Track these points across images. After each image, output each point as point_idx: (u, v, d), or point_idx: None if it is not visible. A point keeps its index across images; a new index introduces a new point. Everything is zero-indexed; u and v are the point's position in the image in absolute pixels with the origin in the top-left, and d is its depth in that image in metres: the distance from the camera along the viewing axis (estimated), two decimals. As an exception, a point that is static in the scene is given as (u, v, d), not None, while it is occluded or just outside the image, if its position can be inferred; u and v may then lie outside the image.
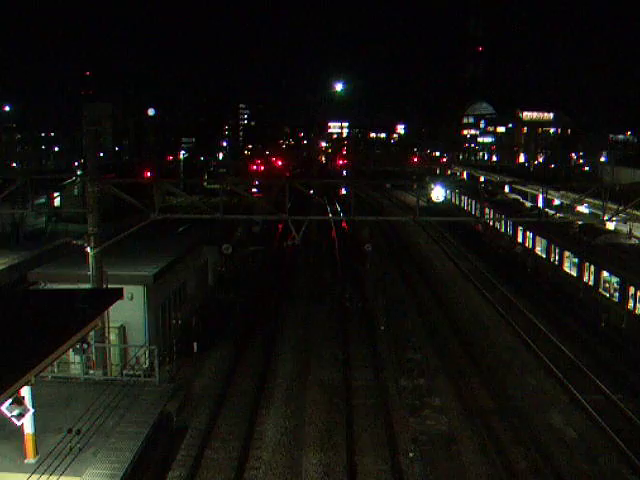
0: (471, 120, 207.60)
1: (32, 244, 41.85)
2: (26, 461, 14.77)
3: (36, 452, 14.84)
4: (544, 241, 39.91)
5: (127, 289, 19.69)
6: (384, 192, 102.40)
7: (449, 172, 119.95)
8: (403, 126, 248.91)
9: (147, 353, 22.35)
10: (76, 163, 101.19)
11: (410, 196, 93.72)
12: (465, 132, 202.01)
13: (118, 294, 17.70)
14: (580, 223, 36.72)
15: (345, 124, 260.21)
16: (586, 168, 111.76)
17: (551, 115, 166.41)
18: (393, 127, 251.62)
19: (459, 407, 22.51)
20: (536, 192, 53.44)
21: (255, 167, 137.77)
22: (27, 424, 14.52)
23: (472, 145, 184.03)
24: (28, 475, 13.47)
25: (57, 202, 53.60)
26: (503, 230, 50.01)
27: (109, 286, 20.99)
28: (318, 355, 27.60)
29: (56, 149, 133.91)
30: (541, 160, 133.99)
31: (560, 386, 24.07)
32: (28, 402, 14.02)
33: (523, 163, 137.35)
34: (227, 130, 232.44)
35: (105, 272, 21.21)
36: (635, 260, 28.92)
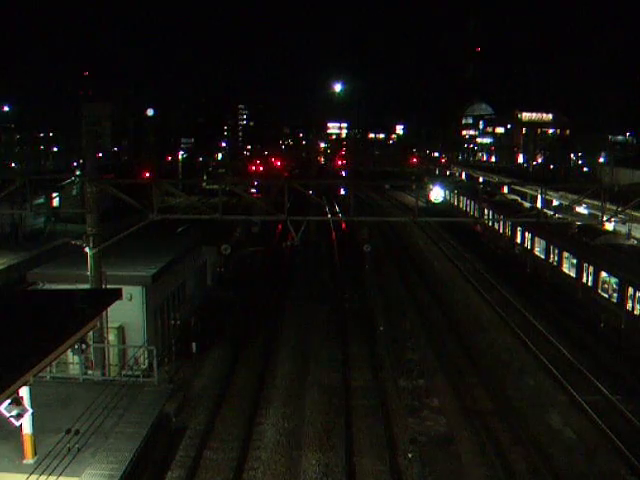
0: (470, 121, 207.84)
1: (31, 244, 41.91)
2: (25, 461, 14.76)
3: (35, 452, 14.83)
4: (543, 242, 39.93)
5: (126, 289, 19.68)
6: (383, 193, 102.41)
7: (448, 173, 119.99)
8: (402, 126, 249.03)
9: (146, 353, 22.35)
10: (75, 163, 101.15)
11: (409, 197, 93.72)
12: (464, 133, 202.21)
13: (117, 294, 17.70)
14: (579, 224, 36.74)
15: (344, 125, 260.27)
16: (585, 169, 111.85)
17: (550, 116, 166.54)
18: (392, 127, 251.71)
19: (458, 408, 22.51)
20: (535, 193, 53.49)
21: (254, 167, 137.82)
22: (26, 424, 14.51)
23: (471, 146, 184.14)
24: (27, 475, 13.45)
25: (56, 202, 53.58)
26: (502, 231, 50.02)
27: (108, 286, 20.98)
28: (317, 355, 27.59)
29: (55, 149, 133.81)
30: (540, 161, 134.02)
31: (559, 387, 24.07)
32: (27, 402, 14.02)
33: (522, 164, 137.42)
34: (226, 130, 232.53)
35: (104, 272, 21.20)
36: (634, 261, 28.93)
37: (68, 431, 14.45)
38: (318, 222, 56.62)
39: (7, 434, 14.99)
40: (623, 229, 36.89)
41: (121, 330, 23.18)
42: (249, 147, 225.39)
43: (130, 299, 22.29)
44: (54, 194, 53.34)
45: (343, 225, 63.51)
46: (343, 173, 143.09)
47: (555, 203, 49.54)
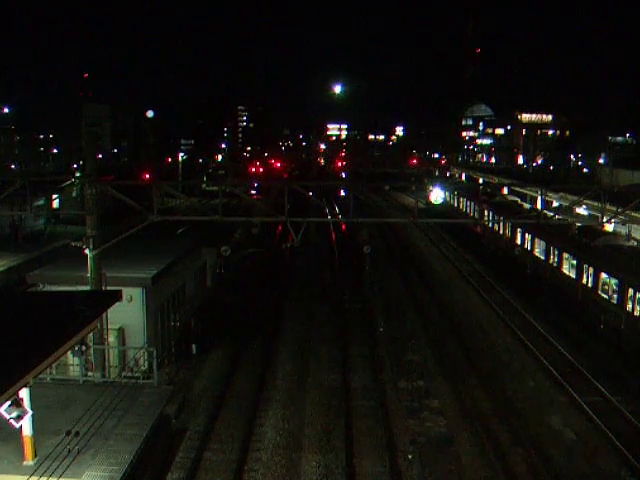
0: (470, 122, 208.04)
1: (31, 246, 41.87)
2: (25, 463, 14.75)
3: (35, 454, 14.82)
4: (543, 243, 39.93)
5: (126, 291, 19.66)
6: (383, 194, 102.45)
7: (448, 174, 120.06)
8: (402, 128, 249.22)
9: (146, 355, 22.34)
10: (75, 165, 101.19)
11: (409, 198, 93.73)
12: (464, 134, 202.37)
13: (117, 296, 17.68)
14: (579, 225, 36.74)
15: (344, 126, 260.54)
16: (585, 170, 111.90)
17: (550, 117, 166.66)
18: (392, 129, 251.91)
19: (458, 409, 22.51)
20: (535, 194, 53.51)
21: (254, 169, 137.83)
22: (26, 426, 14.51)
23: (471, 147, 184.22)
24: (27, 477, 13.45)
25: (56, 204, 53.57)
26: (502, 232, 50.02)
27: (108, 288, 20.98)
28: (317, 356, 27.59)
29: (55, 151, 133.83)
30: (540, 162, 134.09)
31: (559, 388, 24.08)
32: (27, 404, 14.02)
33: (522, 165, 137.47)
34: (226, 132, 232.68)
35: (104, 274, 21.20)
36: (634, 262, 28.93)
37: (68, 433, 14.44)
38: (318, 223, 56.64)
39: (7, 436, 14.98)
40: (623, 230, 36.91)
41: (121, 332, 23.18)
42: (249, 148, 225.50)
43: (130, 301, 22.29)
44: (54, 195, 53.34)
45: (343, 226, 63.54)
46: (343, 174, 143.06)
47: (555, 204, 49.56)
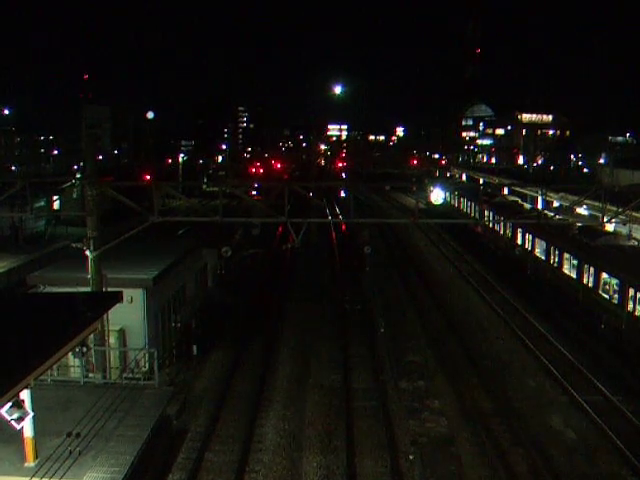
0: (470, 122, 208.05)
1: (31, 247, 41.89)
2: (26, 464, 14.76)
3: (36, 456, 14.83)
4: (543, 243, 39.92)
5: (126, 292, 19.65)
6: (384, 195, 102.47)
7: (448, 174, 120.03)
8: (402, 128, 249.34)
9: (147, 356, 22.34)
10: (75, 166, 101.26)
11: (409, 198, 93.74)
12: (464, 134, 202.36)
13: (117, 297, 17.68)
14: (579, 225, 36.74)
15: (344, 126, 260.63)
16: (585, 170, 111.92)
17: (550, 117, 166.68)
18: (392, 129, 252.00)
19: (458, 409, 22.51)
20: (535, 194, 53.49)
21: (254, 170, 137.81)
22: (27, 427, 14.51)
23: (471, 147, 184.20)
24: (28, 479, 13.48)
25: (56, 205, 53.56)
26: (502, 232, 50.01)
27: (108, 289, 20.98)
28: (318, 357, 27.60)
29: (55, 152, 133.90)
30: (540, 162, 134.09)
31: (559, 387, 24.08)
32: (28, 405, 14.02)
33: (522, 165, 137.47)
34: (226, 133, 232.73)
35: (104, 275, 21.20)
36: (635, 262, 28.93)
37: (69, 434, 14.46)
38: (318, 224, 56.64)
39: (8, 437, 14.99)
40: (624, 230, 36.88)
41: (122, 333, 23.18)
42: (249, 149, 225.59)
43: (131, 302, 22.27)
44: (54, 197, 53.34)
45: (343, 227, 63.55)
46: (343, 175, 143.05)
47: (555, 204, 49.53)
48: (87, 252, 20.69)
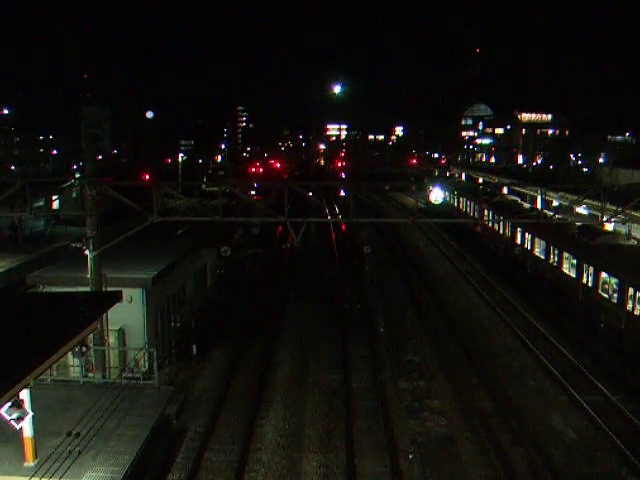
0: (470, 122, 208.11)
1: (31, 247, 41.90)
2: (25, 464, 14.74)
3: (35, 455, 14.81)
4: (543, 242, 39.92)
5: (126, 292, 19.64)
6: (383, 194, 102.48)
7: (448, 174, 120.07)
8: (401, 128, 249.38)
9: (146, 356, 22.32)
10: (75, 166, 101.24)
11: (409, 198, 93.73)
12: (464, 134, 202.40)
13: (117, 297, 17.67)
14: (579, 224, 36.75)
15: (344, 126, 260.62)
16: (585, 169, 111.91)
17: (549, 116, 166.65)
18: (392, 129, 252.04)
19: (458, 409, 22.50)
20: (535, 193, 53.51)
21: (254, 169, 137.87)
22: (26, 427, 14.50)
23: (471, 147, 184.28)
24: (27, 478, 13.46)
25: (56, 205, 53.59)
26: (502, 232, 50.02)
27: (108, 289, 20.97)
28: (317, 357, 27.59)
29: (54, 152, 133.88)
30: (540, 161, 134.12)
31: (559, 387, 24.08)
32: (27, 405, 14.01)
33: (522, 164, 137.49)
34: (226, 132, 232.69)
35: (104, 275, 21.19)
36: (634, 261, 28.93)
37: (69, 434, 14.44)
38: (318, 224, 56.67)
39: (8, 437, 14.97)
40: (623, 229, 36.90)
41: (121, 332, 23.17)
42: (248, 149, 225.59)
43: (130, 301, 22.27)
44: (54, 197, 53.38)
45: (343, 226, 63.55)
46: (343, 175, 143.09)
47: (555, 204, 49.58)
48: (86, 252, 20.67)
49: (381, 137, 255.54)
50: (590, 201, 37.91)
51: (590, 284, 31.92)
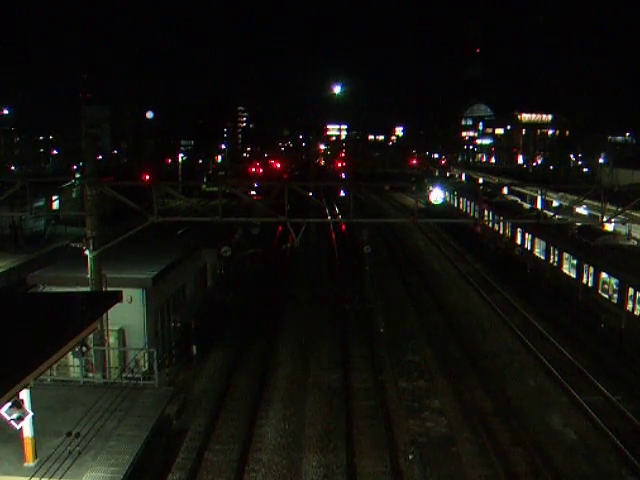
0: (470, 122, 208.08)
1: (31, 247, 41.90)
2: (25, 464, 14.75)
3: (35, 455, 14.82)
4: (543, 243, 39.93)
5: (126, 292, 19.63)
6: (383, 195, 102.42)
7: (448, 174, 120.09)
8: (402, 128, 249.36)
9: (146, 356, 22.33)
10: (75, 166, 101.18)
11: (409, 198, 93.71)
12: (464, 134, 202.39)
13: (117, 297, 17.68)
14: (579, 224, 36.75)
15: (344, 126, 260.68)
16: (585, 169, 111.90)
17: (550, 117, 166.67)
18: (392, 129, 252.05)
19: (458, 409, 22.50)
20: (535, 194, 53.49)
21: (254, 169, 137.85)
22: (26, 427, 14.50)
23: (471, 147, 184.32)
24: (27, 478, 13.47)
25: (56, 205, 53.59)
26: (502, 232, 50.02)
27: (108, 289, 20.97)
28: (317, 357, 27.59)
29: (55, 152, 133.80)
30: (540, 162, 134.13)
31: (559, 387, 24.08)
32: (27, 405, 14.02)
33: (522, 165, 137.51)
34: (226, 133, 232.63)
35: (104, 275, 21.19)
36: (634, 261, 28.93)
37: (69, 434, 14.44)
38: (318, 224, 56.66)
39: (8, 437, 14.99)
40: (623, 230, 36.90)
41: (121, 333, 23.16)
42: (249, 149, 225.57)
43: (130, 302, 22.25)
44: (54, 197, 53.38)
45: (343, 227, 63.53)
46: (343, 175, 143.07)
47: (555, 204, 49.57)
48: (86, 252, 20.68)
49: (381, 137, 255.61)
50: (590, 201, 37.91)
51: (590, 284, 31.92)
